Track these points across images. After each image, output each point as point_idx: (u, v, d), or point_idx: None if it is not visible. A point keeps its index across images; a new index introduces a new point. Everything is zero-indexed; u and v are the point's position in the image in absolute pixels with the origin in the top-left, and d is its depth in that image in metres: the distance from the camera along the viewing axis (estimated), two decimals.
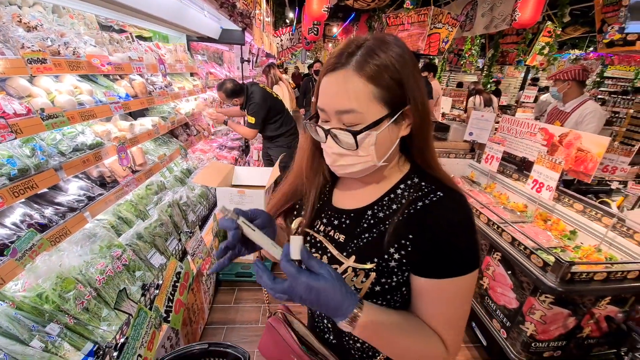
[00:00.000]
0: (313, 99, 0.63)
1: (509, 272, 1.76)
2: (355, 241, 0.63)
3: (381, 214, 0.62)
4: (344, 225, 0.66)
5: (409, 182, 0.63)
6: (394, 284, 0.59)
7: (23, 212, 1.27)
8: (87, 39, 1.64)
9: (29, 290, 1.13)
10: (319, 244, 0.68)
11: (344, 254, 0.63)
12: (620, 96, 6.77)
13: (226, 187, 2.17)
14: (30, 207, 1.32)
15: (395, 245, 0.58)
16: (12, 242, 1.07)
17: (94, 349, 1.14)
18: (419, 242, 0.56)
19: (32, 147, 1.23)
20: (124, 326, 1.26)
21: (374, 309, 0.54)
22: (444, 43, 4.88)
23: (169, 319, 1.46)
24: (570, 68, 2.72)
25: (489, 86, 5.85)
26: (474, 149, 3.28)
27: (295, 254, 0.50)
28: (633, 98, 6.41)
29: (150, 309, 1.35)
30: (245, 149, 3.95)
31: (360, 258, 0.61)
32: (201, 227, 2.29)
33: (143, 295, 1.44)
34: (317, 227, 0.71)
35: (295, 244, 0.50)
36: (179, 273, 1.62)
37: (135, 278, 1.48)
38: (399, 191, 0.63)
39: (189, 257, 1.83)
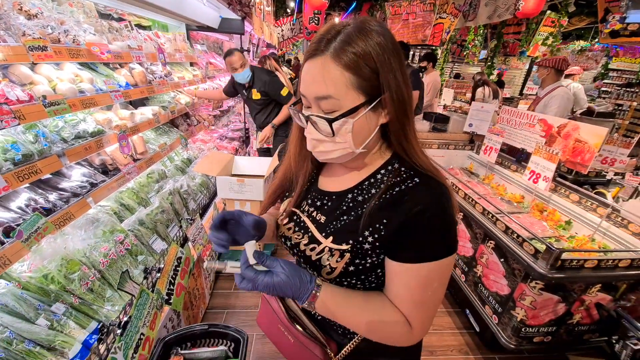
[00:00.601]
0: (298, 85, 0.65)
1: (502, 259, 1.80)
2: (334, 222, 0.66)
3: (360, 198, 0.65)
4: (325, 207, 0.70)
5: (389, 167, 0.65)
6: (368, 265, 0.62)
7: (28, 196, 1.30)
8: (87, 27, 1.64)
9: (35, 271, 1.18)
10: (302, 224, 0.72)
11: (323, 234, 0.66)
12: (624, 89, 6.68)
13: (226, 176, 2.20)
14: (35, 192, 1.36)
15: (370, 229, 0.60)
16: (17, 225, 1.11)
17: (99, 327, 1.19)
18: (392, 227, 0.58)
19: (35, 133, 1.26)
20: (127, 306, 1.31)
21: (332, 291, 0.61)
22: (446, 33, 4.83)
23: (170, 301, 1.51)
24: (553, 57, 2.96)
25: (490, 77, 5.79)
26: (474, 141, 3.28)
27: (251, 260, 0.60)
28: (637, 91, 6.33)
29: (152, 291, 1.40)
30: (246, 140, 3.97)
31: (337, 239, 0.64)
32: (202, 215, 2.33)
33: (145, 278, 1.49)
34: (303, 207, 0.75)
35: (249, 250, 0.60)
36: (180, 258, 1.66)
37: (137, 262, 1.52)
38: (378, 176, 0.65)
39: (189, 243, 1.88)
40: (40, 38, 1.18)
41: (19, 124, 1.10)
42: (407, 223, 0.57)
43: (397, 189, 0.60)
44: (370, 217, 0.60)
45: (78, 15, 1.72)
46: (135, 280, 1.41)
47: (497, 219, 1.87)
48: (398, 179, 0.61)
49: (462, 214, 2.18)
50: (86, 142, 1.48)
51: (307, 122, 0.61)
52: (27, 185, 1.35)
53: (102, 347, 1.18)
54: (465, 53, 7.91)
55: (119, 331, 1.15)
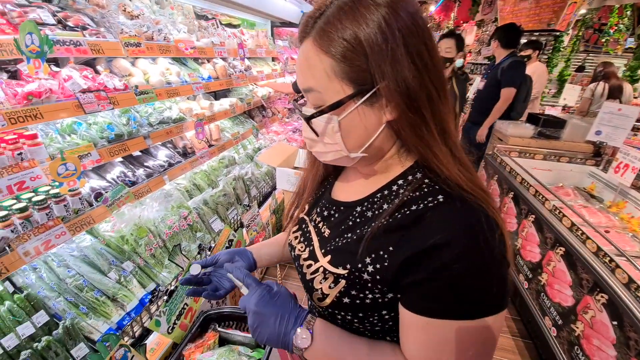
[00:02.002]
0: None
1: (571, 270, 1.32)
2: (337, 239, 0.54)
3: (369, 213, 0.52)
4: (332, 219, 0.59)
5: (409, 177, 0.50)
6: (368, 301, 0.48)
7: (120, 170, 1.58)
8: (182, 26, 1.88)
9: (116, 232, 1.42)
10: (307, 234, 0.62)
11: (322, 250, 0.55)
12: None
13: (285, 168, 2.25)
14: (126, 167, 1.63)
15: (373, 255, 0.47)
16: (105, 192, 1.34)
17: (153, 290, 1.36)
18: (398, 258, 0.44)
19: (128, 117, 1.50)
20: (178, 276, 1.46)
21: (325, 329, 0.52)
22: (574, 15, 3.84)
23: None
24: None
25: (639, 72, 4.37)
26: (600, 153, 2.53)
27: (244, 290, 0.59)
28: None
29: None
30: None
31: (334, 259, 0.52)
32: (262, 203, 2.45)
33: (199, 253, 1.64)
34: (312, 215, 0.65)
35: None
36: (231, 241, 1.77)
37: (195, 237, 1.69)
38: (394, 187, 0.51)
39: (244, 228, 1.99)
40: (136, 35, 1.39)
41: (113, 109, 1.32)
42: (418, 257, 0.42)
43: (413, 207, 0.45)
44: (373, 240, 0.47)
45: (177, 17, 1.98)
46: (188, 254, 1.57)
47: (617, 266, 1.37)
48: (417, 193, 0.46)
49: (563, 249, 1.69)
50: (168, 127, 1.70)
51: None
52: (121, 160, 1.63)
53: (152, 308, 1.35)
54: (604, 40, 6.16)
55: (165, 297, 1.28)
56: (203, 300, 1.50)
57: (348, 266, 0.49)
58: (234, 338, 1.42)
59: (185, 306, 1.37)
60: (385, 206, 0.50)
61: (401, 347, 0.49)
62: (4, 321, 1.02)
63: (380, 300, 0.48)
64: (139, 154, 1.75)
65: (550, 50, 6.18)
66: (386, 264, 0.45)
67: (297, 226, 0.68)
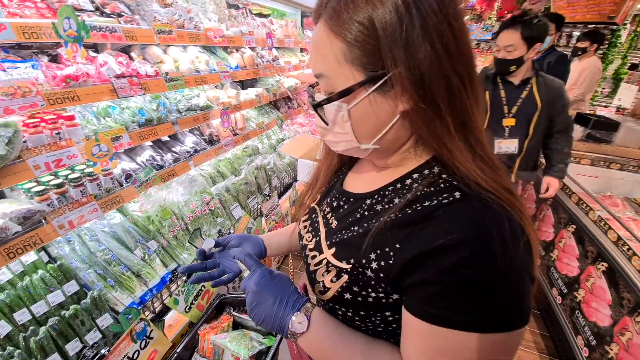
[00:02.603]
0: None
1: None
2: (343, 231, 0.52)
3: (379, 207, 0.49)
4: (341, 210, 0.57)
5: (425, 172, 0.46)
6: (370, 300, 0.45)
7: (150, 154, 1.64)
8: (212, 15, 1.91)
9: (143, 212, 1.49)
10: (316, 224, 0.61)
11: (328, 242, 0.53)
12: None
13: (307, 160, 2.24)
14: (155, 151, 1.70)
15: (378, 252, 0.44)
16: (136, 174, 1.41)
17: (173, 270, 1.42)
18: (404, 257, 0.40)
19: (158, 103, 1.56)
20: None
21: (323, 318, 0.51)
22: (633, 9, 3.43)
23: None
24: None
25: None
26: None
27: (246, 273, 0.59)
28: None
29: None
30: None
31: (338, 252, 0.50)
32: (282, 194, 2.47)
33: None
34: (322, 206, 0.63)
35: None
36: (250, 229, 1.80)
37: (216, 223, 1.73)
38: (408, 181, 0.47)
39: (263, 217, 2.02)
40: (168, 23, 1.43)
41: (144, 94, 1.38)
42: (424, 257, 0.38)
43: (425, 202, 0.41)
44: (380, 235, 0.44)
45: (209, 5, 2.01)
46: (205, 238, 1.61)
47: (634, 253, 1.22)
48: (432, 189, 0.42)
49: (605, 264, 1.53)
50: (195, 114, 1.75)
51: None
52: (151, 144, 1.71)
53: (172, 287, 1.41)
54: None
55: (184, 278, 1.33)
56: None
57: (352, 261, 0.47)
58: (247, 323, 1.45)
59: (202, 288, 1.42)
60: (396, 200, 0.47)
61: (400, 350, 0.46)
62: (36, 288, 1.11)
63: (384, 300, 0.45)
64: (167, 139, 1.82)
65: (607, 46, 5.58)
66: (391, 261, 0.42)
67: (307, 215, 0.66)
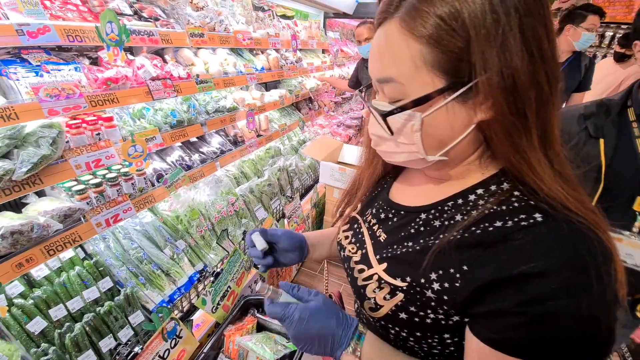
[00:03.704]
0: None
1: None
2: (395, 246, 0.49)
3: (436, 223, 0.45)
4: (389, 223, 0.53)
5: (492, 187, 0.43)
6: (428, 320, 0.42)
7: (179, 154, 1.68)
8: (240, 17, 1.93)
9: (172, 211, 1.52)
10: (360, 235, 0.58)
11: (377, 256, 0.50)
12: None
13: (329, 162, 2.23)
14: (184, 152, 1.73)
15: (440, 272, 0.41)
16: (166, 174, 1.43)
17: (201, 270, 1.43)
18: (476, 281, 0.37)
19: (189, 104, 1.58)
20: (224, 259, 1.52)
21: (379, 349, 0.49)
22: None
23: (258, 266, 1.67)
24: None
25: None
26: None
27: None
28: None
29: (244, 253, 1.57)
30: (361, 129, 3.93)
31: (391, 268, 0.47)
32: (303, 196, 2.47)
33: (243, 239, 1.69)
34: (366, 216, 0.60)
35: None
36: None
37: (240, 224, 1.75)
38: (471, 197, 0.44)
39: (285, 219, 2.02)
40: (200, 26, 1.45)
41: (176, 96, 1.40)
42: (503, 284, 0.35)
43: (497, 223, 0.38)
44: (442, 254, 0.41)
45: (236, 8, 2.04)
46: (233, 239, 1.63)
47: None
48: (503, 207, 0.39)
49: None
50: (222, 116, 1.77)
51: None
52: (180, 145, 1.74)
53: (200, 286, 1.42)
54: None
55: (211, 279, 1.35)
56: (244, 285, 1.56)
57: (408, 279, 0.44)
58: (271, 326, 1.45)
59: (228, 289, 1.43)
60: (458, 217, 0.43)
61: None
62: (73, 285, 1.15)
63: (443, 322, 0.42)
64: (195, 140, 1.85)
65: None
66: (457, 284, 0.39)
67: (347, 225, 0.64)
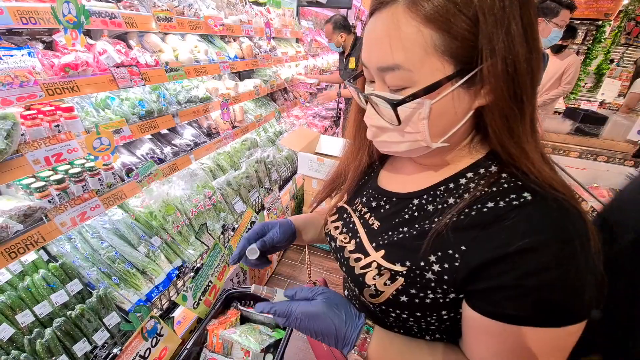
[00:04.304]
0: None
1: None
2: (390, 233, 0.50)
3: (430, 207, 0.47)
4: (382, 210, 0.54)
5: (481, 170, 0.45)
6: (428, 300, 0.45)
7: (149, 147, 1.59)
8: (209, 2, 1.84)
9: (145, 207, 1.44)
10: (351, 225, 0.58)
11: (373, 244, 0.51)
12: None
13: (308, 153, 2.22)
14: (155, 144, 1.64)
15: (439, 254, 0.43)
16: (136, 168, 1.36)
17: (180, 266, 1.39)
18: (475, 260, 0.40)
19: (158, 94, 1.50)
20: (203, 254, 1.49)
21: (389, 339, 0.48)
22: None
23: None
24: None
25: None
26: None
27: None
28: None
29: (225, 246, 1.54)
30: (337, 120, 3.96)
31: (389, 255, 0.48)
32: (282, 187, 2.45)
33: (222, 233, 1.66)
34: (356, 205, 0.60)
35: (279, 297, 0.54)
36: (253, 222, 1.78)
37: (219, 217, 1.71)
38: (462, 180, 0.46)
39: (265, 211, 2.00)
40: (167, 10, 1.36)
41: (144, 85, 1.32)
42: (500, 261, 0.38)
43: (489, 204, 0.40)
44: (440, 237, 0.43)
45: None
46: (212, 233, 1.59)
47: None
48: (494, 189, 0.41)
49: None
50: (195, 106, 1.69)
51: (366, 102, 0.46)
52: (150, 137, 1.65)
53: (179, 283, 1.38)
54: None
55: (191, 274, 1.31)
56: (226, 279, 1.53)
57: (407, 263, 0.46)
58: (255, 317, 1.44)
59: (209, 283, 1.40)
60: (451, 200, 0.45)
61: (465, 350, 0.45)
62: (38, 289, 1.07)
63: (441, 301, 0.44)
64: (167, 132, 1.76)
65: (591, 41, 5.73)
66: (457, 264, 0.41)
67: (336, 215, 0.64)
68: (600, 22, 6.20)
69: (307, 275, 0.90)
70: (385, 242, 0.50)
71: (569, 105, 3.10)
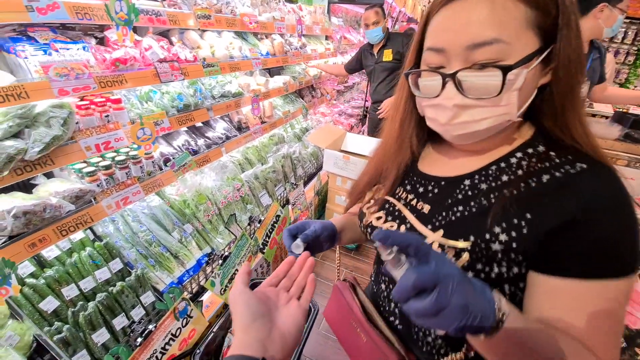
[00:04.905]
0: (413, 47, 0.54)
1: None
2: (444, 214, 0.52)
3: (484, 186, 0.50)
4: (430, 195, 0.56)
5: (529, 150, 0.49)
6: (492, 275, 0.46)
7: (185, 139, 1.67)
8: (245, 0, 1.89)
9: (179, 196, 1.52)
10: (397, 213, 0.58)
11: (429, 226, 0.52)
12: None
13: (333, 150, 2.23)
14: (190, 136, 1.73)
15: (503, 225, 0.45)
16: (173, 158, 1.43)
17: (209, 253, 1.45)
18: (543, 227, 0.42)
19: (195, 89, 1.57)
20: (231, 243, 1.54)
21: (518, 317, 0.38)
22: None
23: (264, 251, 1.70)
24: None
25: None
26: None
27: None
28: None
29: (251, 237, 1.59)
30: (363, 118, 3.92)
31: (450, 233, 0.49)
32: (306, 183, 2.48)
33: (249, 224, 1.71)
34: (398, 194, 0.61)
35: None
36: (278, 216, 1.82)
37: (246, 209, 1.76)
38: (513, 160, 0.49)
39: (290, 206, 2.04)
40: (207, 8, 1.42)
41: (183, 79, 1.39)
42: (571, 225, 0.41)
43: (546, 176, 0.45)
44: (504, 209, 0.45)
45: None
46: (240, 224, 1.64)
47: None
48: (546, 164, 0.46)
49: None
50: (228, 101, 1.75)
51: (444, 85, 0.46)
52: (185, 129, 1.73)
53: (208, 269, 1.45)
54: None
55: (220, 261, 1.37)
56: (252, 267, 1.58)
57: (472, 238, 0.46)
58: None
59: (236, 271, 1.45)
60: (504, 178, 0.48)
61: (548, 322, 0.43)
62: (84, 265, 1.16)
63: (505, 276, 0.46)
64: (200, 125, 1.84)
65: None
66: (524, 231, 0.43)
67: (376, 207, 0.64)
68: None
69: (336, 274, 0.90)
70: (442, 222, 0.51)
71: (618, 109, 2.86)
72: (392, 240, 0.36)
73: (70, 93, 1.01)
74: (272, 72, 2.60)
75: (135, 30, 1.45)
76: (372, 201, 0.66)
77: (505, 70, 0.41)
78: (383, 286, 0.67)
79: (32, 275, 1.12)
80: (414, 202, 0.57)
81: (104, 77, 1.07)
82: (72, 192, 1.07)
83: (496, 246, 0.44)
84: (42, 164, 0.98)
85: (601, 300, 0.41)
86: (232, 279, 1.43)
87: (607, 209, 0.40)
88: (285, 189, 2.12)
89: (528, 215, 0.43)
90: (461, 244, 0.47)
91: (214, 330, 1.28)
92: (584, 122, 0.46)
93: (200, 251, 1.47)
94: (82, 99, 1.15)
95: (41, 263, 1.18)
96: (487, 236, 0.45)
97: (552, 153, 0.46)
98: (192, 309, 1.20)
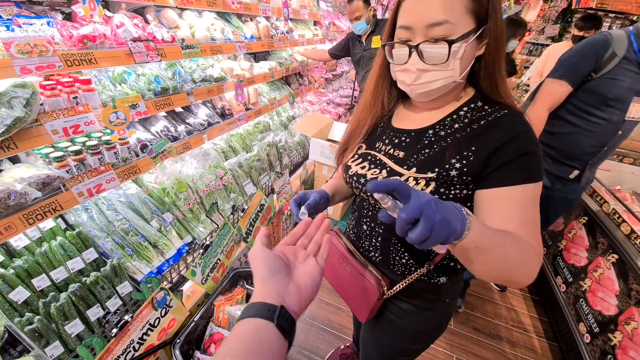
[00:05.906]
0: (388, 25, 0.68)
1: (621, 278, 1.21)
2: (415, 156, 0.68)
3: (442, 133, 0.67)
4: (403, 144, 0.72)
5: (472, 105, 0.67)
6: (451, 196, 0.63)
7: (164, 124, 1.60)
8: None
9: (158, 184, 1.47)
10: (378, 161, 0.74)
11: (405, 167, 0.68)
12: None
13: (320, 139, 2.20)
14: (169, 122, 1.66)
15: (457, 157, 0.62)
16: (150, 144, 1.37)
17: (190, 242, 1.42)
18: (482, 154, 0.60)
19: (174, 71, 1.49)
20: (213, 232, 1.51)
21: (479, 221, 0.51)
22: None
23: (247, 240, 1.67)
24: None
25: None
26: None
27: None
28: None
29: (234, 226, 1.57)
30: (351, 108, 3.89)
31: (420, 169, 0.65)
32: (292, 172, 2.45)
33: (232, 213, 1.68)
34: (378, 147, 0.76)
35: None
36: (263, 205, 1.80)
37: (229, 198, 1.72)
38: (461, 112, 0.67)
39: (274, 195, 2.01)
40: None
41: (160, 61, 1.31)
42: (501, 148, 0.59)
43: (482, 122, 0.63)
44: (456, 146, 0.62)
45: None
46: (222, 213, 1.61)
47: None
48: (483, 113, 0.64)
49: (616, 256, 1.55)
50: (210, 86, 1.69)
51: (410, 54, 0.61)
52: (165, 114, 1.66)
53: (189, 258, 1.42)
54: None
55: (201, 251, 1.34)
56: (234, 258, 1.56)
57: (436, 169, 0.63)
58: None
59: (218, 261, 1.43)
60: (456, 125, 0.66)
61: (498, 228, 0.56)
62: (55, 255, 1.11)
63: (459, 195, 0.63)
64: (181, 110, 1.77)
65: None
66: (471, 158, 0.60)
67: (359, 159, 0.78)
68: (635, 17, 5.76)
69: None
70: (414, 162, 0.67)
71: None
72: (381, 188, 0.44)
73: (34, 72, 0.94)
74: (257, 57, 2.52)
75: (108, 7, 1.35)
76: (356, 156, 0.80)
77: (450, 43, 0.57)
78: (365, 227, 0.83)
79: (0, 265, 1.07)
80: (391, 151, 0.73)
81: (71, 54, 1.00)
82: (39, 178, 1.01)
83: (453, 172, 0.62)
84: (5, 147, 0.92)
85: (523, 200, 0.57)
86: (213, 268, 1.40)
87: (522, 134, 0.59)
88: (270, 178, 2.08)
89: (473, 148, 0.61)
90: (429, 175, 0.64)
91: (195, 319, 1.26)
92: (506, 82, 0.65)
93: (181, 240, 1.43)
94: (47, 79, 1.07)
95: (10, 252, 1.12)
96: (447, 166, 0.62)
97: (486, 107, 0.64)
98: (171, 299, 1.18)
